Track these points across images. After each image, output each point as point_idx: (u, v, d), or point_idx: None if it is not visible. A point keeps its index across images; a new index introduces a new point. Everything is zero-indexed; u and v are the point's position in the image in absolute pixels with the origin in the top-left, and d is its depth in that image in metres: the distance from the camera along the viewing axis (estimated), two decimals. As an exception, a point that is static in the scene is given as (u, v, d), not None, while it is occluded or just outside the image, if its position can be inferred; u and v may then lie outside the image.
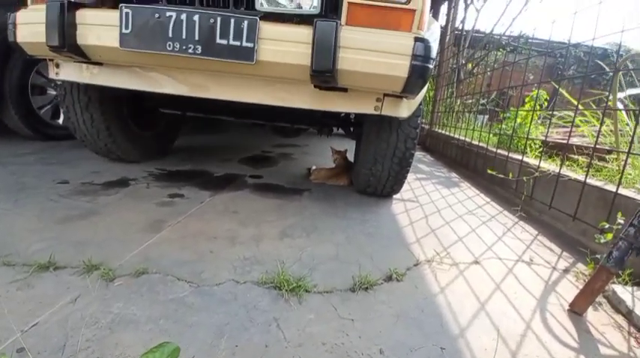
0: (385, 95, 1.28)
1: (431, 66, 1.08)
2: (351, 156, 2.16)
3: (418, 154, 3.51)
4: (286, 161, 2.60)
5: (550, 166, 1.83)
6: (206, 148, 2.86)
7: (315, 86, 1.22)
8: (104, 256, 0.97)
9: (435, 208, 1.76)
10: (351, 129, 2.06)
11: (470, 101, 4.03)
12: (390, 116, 1.33)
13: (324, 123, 2.02)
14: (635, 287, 1.03)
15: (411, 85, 1.10)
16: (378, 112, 1.30)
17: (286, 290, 0.88)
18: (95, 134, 1.83)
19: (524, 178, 1.82)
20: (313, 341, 0.72)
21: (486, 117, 4.01)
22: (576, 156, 2.10)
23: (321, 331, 0.75)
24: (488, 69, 3.87)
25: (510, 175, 1.91)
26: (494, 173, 1.96)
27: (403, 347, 0.74)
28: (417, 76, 1.07)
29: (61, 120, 2.58)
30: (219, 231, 1.22)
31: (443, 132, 3.93)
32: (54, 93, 2.54)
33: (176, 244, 1.10)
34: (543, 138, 2.24)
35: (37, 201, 1.37)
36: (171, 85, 1.35)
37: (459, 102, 4.06)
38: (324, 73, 1.04)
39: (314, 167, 2.14)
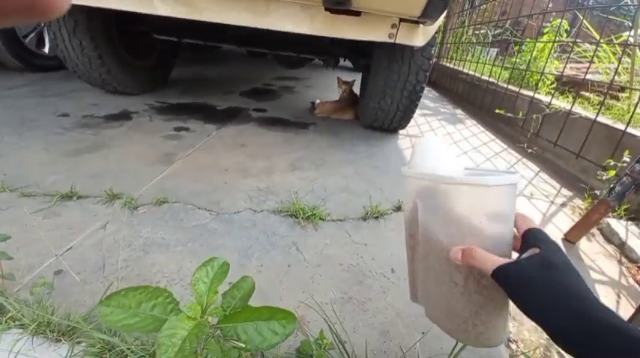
0: (401, 20, 1.18)
1: None
2: (356, 89, 2.09)
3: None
4: (289, 94, 2.52)
5: (561, 104, 1.79)
6: (205, 80, 2.73)
7: (326, 9, 1.12)
8: (122, 187, 1.00)
9: (440, 144, 1.77)
10: (360, 60, 1.95)
11: (482, 31, 3.75)
12: (403, 45, 1.25)
13: (331, 52, 1.90)
14: (629, 222, 1.10)
15: (432, 8, 1.01)
16: (392, 40, 1.22)
17: (302, 218, 0.93)
18: (87, 63, 1.72)
19: (534, 116, 1.80)
20: (331, 262, 0.79)
21: (496, 50, 3.77)
22: (588, 94, 2.05)
23: (337, 253, 0.82)
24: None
25: (520, 113, 1.88)
26: (502, 112, 1.92)
27: (411, 267, 0.81)
28: (440, -4, 0.98)
29: (46, 49, 2.41)
30: (230, 164, 1.23)
31: (450, 66, 3.74)
32: (35, 17, 2.33)
33: (189, 176, 1.12)
34: (557, 73, 2.15)
35: (42, 134, 1.35)
36: (166, 6, 1.23)
37: (470, 32, 3.78)
38: (338, -9, 0.95)
39: (318, 101, 2.08)
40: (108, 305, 0.37)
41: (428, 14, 1.04)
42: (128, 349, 0.51)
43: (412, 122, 2.02)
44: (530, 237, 0.40)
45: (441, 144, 0.43)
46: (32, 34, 2.31)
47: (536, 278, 0.36)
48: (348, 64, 3.98)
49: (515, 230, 0.42)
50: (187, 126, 1.59)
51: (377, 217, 0.99)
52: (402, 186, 1.21)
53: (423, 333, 0.62)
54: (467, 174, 0.43)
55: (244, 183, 1.12)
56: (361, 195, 1.11)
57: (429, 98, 3.13)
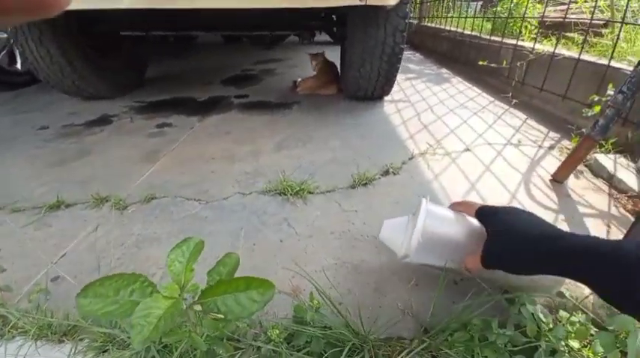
0: (368, -20, 1.14)
1: None
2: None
3: (406, 53, 3.31)
4: (270, 77, 2.47)
5: (545, 47, 1.75)
6: (183, 74, 2.67)
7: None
8: (110, 189, 1.00)
9: (426, 105, 1.74)
10: (335, 30, 1.89)
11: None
12: (376, 6, 1.21)
13: (304, 26, 1.84)
14: (617, 155, 1.09)
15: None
16: (363, 2, 1.18)
17: (291, 195, 0.93)
18: (58, 71, 1.68)
19: (518, 63, 1.77)
20: (322, 232, 0.80)
21: (479, 3, 3.65)
22: (572, 35, 1.99)
23: (328, 223, 0.83)
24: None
25: (504, 62, 1.84)
26: (485, 63, 1.88)
27: (403, 227, 0.82)
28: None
29: (19, 66, 2.35)
30: (216, 152, 1.23)
31: (432, 25, 3.64)
32: (5, 36, 2.26)
33: (176, 169, 1.12)
34: (538, 17, 2.08)
35: (23, 149, 1.34)
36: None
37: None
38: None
39: (299, 79, 2.04)
40: (85, 297, 0.38)
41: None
42: (129, 337, 0.52)
43: (397, 87, 1.99)
44: (480, 219, 0.53)
45: (403, 223, 0.60)
46: (3, 52, 2.26)
47: (501, 251, 0.46)
48: (326, 38, 3.89)
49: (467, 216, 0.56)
50: (169, 122, 1.57)
51: (365, 184, 0.99)
52: (388, 150, 1.21)
53: (416, 284, 0.64)
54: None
55: (231, 168, 1.11)
56: (349, 164, 1.10)
57: (412, 61, 3.07)
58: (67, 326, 0.57)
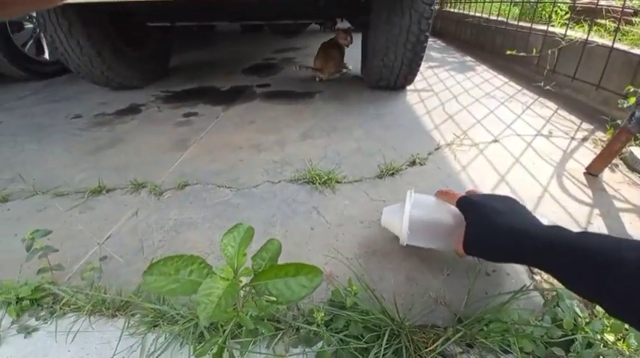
0: (397, -34, 1.12)
1: None
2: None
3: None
4: (290, 66, 2.47)
5: (577, 34, 1.67)
6: (205, 64, 2.70)
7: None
8: (145, 176, 1.05)
9: (450, 95, 1.71)
10: (358, 17, 1.87)
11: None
12: (402, -7, 1.19)
13: (328, 14, 1.82)
14: (653, 147, 1.05)
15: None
16: (389, -11, 1.16)
17: (319, 184, 0.95)
18: (88, 62, 1.74)
19: (549, 51, 1.70)
20: (352, 221, 0.81)
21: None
22: (603, 21, 1.90)
23: (358, 212, 0.84)
24: None
25: (534, 50, 1.77)
26: (514, 53, 1.82)
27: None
28: None
29: (46, 56, 2.44)
30: (242, 141, 1.25)
31: (455, 10, 3.52)
32: (31, 26, 2.34)
33: (206, 158, 1.16)
34: (570, 2, 1.99)
35: (60, 137, 1.41)
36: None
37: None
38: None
39: (316, 72, 2.03)
40: (151, 274, 0.41)
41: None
42: (178, 314, 0.56)
43: (419, 76, 1.96)
44: (459, 209, 0.56)
45: (398, 209, 0.67)
46: (30, 42, 2.34)
47: (478, 242, 0.50)
48: (347, 24, 3.83)
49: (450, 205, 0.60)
50: (195, 111, 1.60)
51: (392, 174, 0.99)
52: (413, 141, 1.21)
53: (448, 274, 0.65)
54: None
55: (259, 157, 1.14)
56: (374, 155, 1.11)
57: (434, 49, 2.99)
58: (120, 302, 0.61)
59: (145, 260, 0.73)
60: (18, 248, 0.78)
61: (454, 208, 0.58)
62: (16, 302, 0.63)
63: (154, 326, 0.57)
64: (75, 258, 0.76)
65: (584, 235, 0.39)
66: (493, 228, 0.47)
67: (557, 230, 0.42)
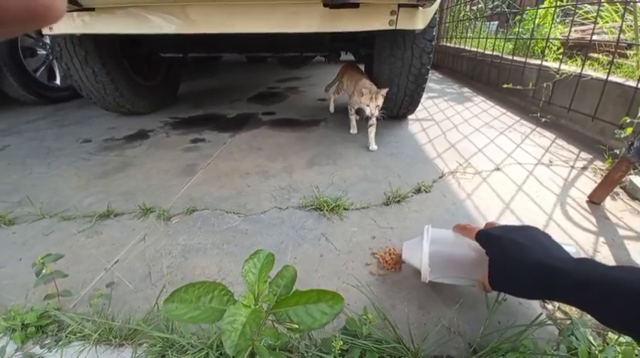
0: (400, 6, 1.20)
1: None
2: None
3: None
4: (295, 94, 2.55)
5: (570, 68, 1.76)
6: (211, 92, 2.79)
7: (324, 5, 1.14)
8: (153, 201, 1.05)
9: (451, 124, 1.77)
10: (362, 51, 1.96)
11: (480, 5, 3.68)
12: (405, 30, 1.26)
13: (332, 47, 1.92)
14: (652, 176, 1.08)
15: (429, -10, 1.03)
16: (393, 27, 1.23)
17: (326, 210, 0.96)
18: (102, 89, 1.80)
19: (544, 84, 1.78)
20: (360, 248, 0.82)
21: (496, 23, 3.70)
22: (597, 55, 2.00)
23: (366, 239, 0.85)
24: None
25: (530, 84, 1.85)
26: (510, 86, 1.89)
27: (440, 245, 0.83)
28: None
29: (58, 81, 2.52)
30: (250, 168, 1.28)
31: (451, 45, 3.70)
32: (44, 53, 2.43)
33: (214, 183, 1.17)
34: (562, 38, 2.10)
35: (69, 161, 1.43)
36: (169, 24, 1.28)
37: (468, 9, 3.72)
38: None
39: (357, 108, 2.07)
40: (172, 302, 0.41)
41: (425, -4, 1.05)
42: (188, 343, 0.55)
43: (420, 106, 2.02)
44: (480, 243, 0.55)
45: (418, 243, 0.66)
46: (42, 68, 2.42)
47: (505, 274, 0.48)
48: (350, 57, 3.99)
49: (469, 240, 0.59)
50: (203, 138, 1.64)
51: (399, 201, 1.01)
52: (417, 168, 1.23)
53: (460, 303, 0.65)
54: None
55: (266, 184, 1.15)
56: (380, 182, 1.13)
57: (433, 80, 3.11)
58: (128, 330, 0.60)
59: (152, 286, 0.73)
60: (22, 272, 0.77)
61: (474, 243, 0.57)
62: (21, 329, 0.62)
63: (162, 357, 0.56)
64: (82, 284, 0.75)
65: (620, 270, 0.39)
66: (517, 264, 0.46)
67: (588, 265, 0.41)
